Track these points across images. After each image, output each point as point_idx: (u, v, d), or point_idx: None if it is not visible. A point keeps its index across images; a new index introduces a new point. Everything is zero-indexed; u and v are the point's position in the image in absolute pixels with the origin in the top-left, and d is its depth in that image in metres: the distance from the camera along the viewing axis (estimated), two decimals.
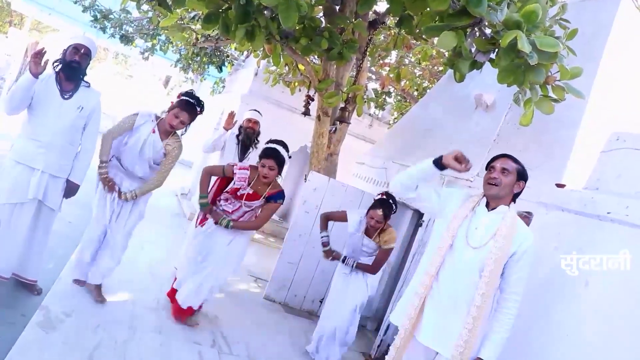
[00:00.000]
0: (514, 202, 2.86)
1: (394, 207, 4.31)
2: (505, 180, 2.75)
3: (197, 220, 4.41)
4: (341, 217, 4.50)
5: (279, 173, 4.11)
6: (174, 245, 6.22)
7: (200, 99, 4.09)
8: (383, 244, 4.27)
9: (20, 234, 3.72)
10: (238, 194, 4.08)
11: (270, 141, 4.16)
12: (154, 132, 3.96)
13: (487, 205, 2.85)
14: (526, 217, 3.44)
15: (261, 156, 4.04)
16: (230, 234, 4.13)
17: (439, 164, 2.79)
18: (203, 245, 4.15)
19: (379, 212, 4.23)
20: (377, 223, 4.25)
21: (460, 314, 2.70)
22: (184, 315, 4.17)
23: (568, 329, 3.02)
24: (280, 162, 4.05)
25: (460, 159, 2.73)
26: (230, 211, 4.13)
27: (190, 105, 3.97)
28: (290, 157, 4.25)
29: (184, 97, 4.00)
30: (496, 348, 2.68)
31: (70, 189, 3.88)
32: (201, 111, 4.08)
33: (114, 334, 3.56)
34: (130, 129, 3.95)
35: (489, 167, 2.85)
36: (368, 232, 4.33)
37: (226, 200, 4.14)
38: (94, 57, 3.88)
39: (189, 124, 4.07)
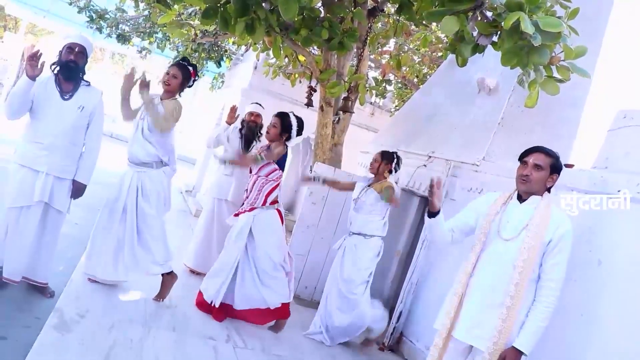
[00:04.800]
0: (549, 192, 2.82)
1: (395, 156, 4.62)
2: (537, 176, 2.74)
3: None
4: (350, 186, 4.82)
5: (281, 134, 4.38)
6: (182, 241, 6.23)
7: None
8: (383, 189, 4.46)
9: (28, 237, 3.73)
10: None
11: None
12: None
13: (519, 198, 2.84)
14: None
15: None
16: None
17: (432, 213, 2.93)
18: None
19: (377, 153, 4.65)
20: (375, 162, 4.59)
21: (496, 307, 2.67)
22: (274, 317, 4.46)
23: (582, 309, 3.02)
24: (284, 123, 4.37)
25: (434, 186, 2.86)
26: (249, 189, 4.42)
27: (180, 64, 4.28)
28: (299, 133, 4.50)
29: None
30: (531, 337, 2.61)
31: (77, 190, 3.88)
32: (195, 72, 4.33)
33: (129, 333, 3.57)
34: None
35: (522, 160, 2.82)
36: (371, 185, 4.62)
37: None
38: (90, 54, 3.86)
39: (184, 83, 4.27)
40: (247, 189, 4.46)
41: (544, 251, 2.65)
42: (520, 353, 2.60)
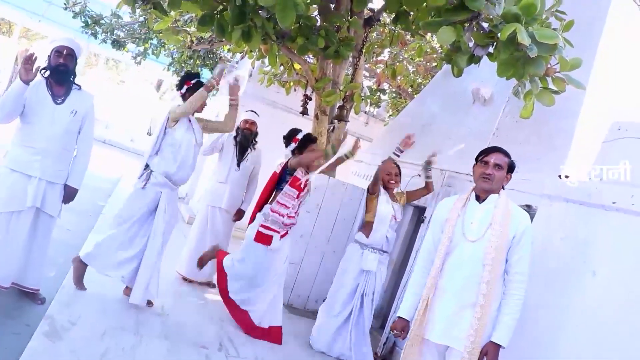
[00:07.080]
0: (503, 189, 2.96)
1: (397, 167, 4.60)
2: (498, 176, 2.88)
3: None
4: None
5: None
6: (174, 249, 6.18)
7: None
8: (405, 195, 4.58)
9: (19, 243, 3.69)
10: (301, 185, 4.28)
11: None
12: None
13: (477, 198, 2.94)
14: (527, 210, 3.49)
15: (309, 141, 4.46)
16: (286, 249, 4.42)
17: None
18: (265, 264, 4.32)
19: (391, 163, 4.48)
20: (395, 176, 4.49)
21: (469, 306, 2.75)
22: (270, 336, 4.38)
23: (577, 320, 3.02)
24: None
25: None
26: (290, 214, 4.27)
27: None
28: None
29: (194, 80, 4.37)
30: (507, 330, 2.73)
31: (69, 194, 3.86)
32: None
33: (121, 340, 3.53)
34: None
35: (482, 160, 2.93)
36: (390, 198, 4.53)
37: (282, 203, 4.25)
38: (79, 56, 3.84)
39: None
40: (293, 214, 4.33)
41: (509, 247, 2.79)
42: (499, 347, 2.71)
